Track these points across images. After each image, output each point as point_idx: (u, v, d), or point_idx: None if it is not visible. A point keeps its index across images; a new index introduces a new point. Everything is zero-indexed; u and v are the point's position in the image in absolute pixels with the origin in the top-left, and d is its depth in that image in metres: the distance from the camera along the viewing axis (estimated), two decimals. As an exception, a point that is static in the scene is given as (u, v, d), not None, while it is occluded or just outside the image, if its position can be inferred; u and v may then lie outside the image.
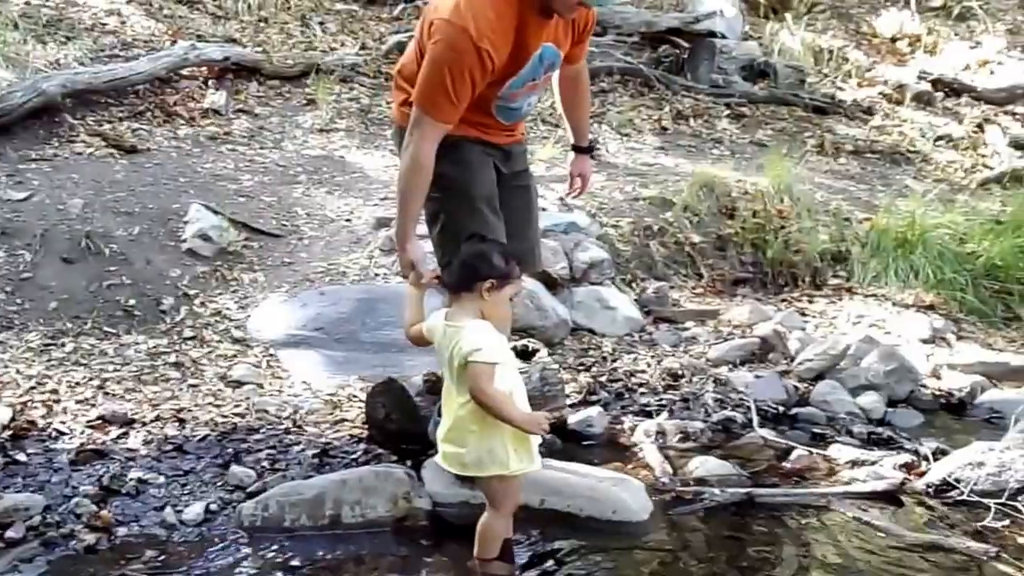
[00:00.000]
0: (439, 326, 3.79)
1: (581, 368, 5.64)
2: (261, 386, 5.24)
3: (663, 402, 5.44)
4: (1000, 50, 11.14)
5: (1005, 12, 12.16)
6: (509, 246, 4.02)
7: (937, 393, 5.84)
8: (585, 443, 4.88)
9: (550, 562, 4.04)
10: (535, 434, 3.77)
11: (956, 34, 11.52)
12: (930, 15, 11.74)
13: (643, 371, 5.74)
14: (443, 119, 3.99)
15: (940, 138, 9.74)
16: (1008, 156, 9.41)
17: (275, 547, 4.00)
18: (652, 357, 5.94)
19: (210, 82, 8.33)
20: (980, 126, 10.01)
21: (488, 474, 3.78)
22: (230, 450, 4.62)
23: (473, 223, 4.12)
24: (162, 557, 3.91)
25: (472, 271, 3.74)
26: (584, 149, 4.85)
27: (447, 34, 3.87)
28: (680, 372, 5.75)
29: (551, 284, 6.11)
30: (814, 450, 4.97)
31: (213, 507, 4.22)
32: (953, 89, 10.59)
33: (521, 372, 4.43)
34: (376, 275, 6.17)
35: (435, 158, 4.07)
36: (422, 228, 4.22)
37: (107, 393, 5.03)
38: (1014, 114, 10.33)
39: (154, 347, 5.45)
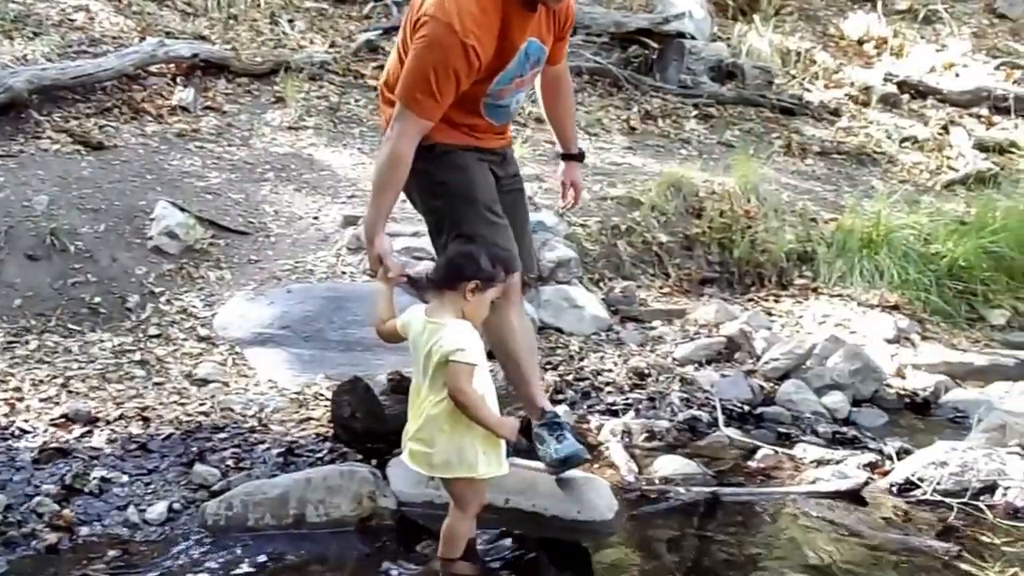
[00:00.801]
0: (418, 321, 3.78)
1: (548, 367, 5.64)
2: (227, 384, 5.22)
3: (629, 401, 5.45)
4: (965, 53, 11.21)
5: (970, 16, 12.24)
6: (510, 250, 4.09)
7: (901, 393, 5.87)
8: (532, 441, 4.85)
9: (515, 562, 4.04)
10: (507, 439, 3.77)
11: (922, 37, 11.58)
12: (896, 18, 11.80)
13: (610, 370, 5.75)
14: (425, 116, 4.00)
15: (906, 140, 9.79)
16: (973, 158, 9.47)
17: (238, 546, 3.97)
18: (619, 356, 5.95)
19: (178, 79, 8.27)
20: (945, 128, 10.06)
21: (455, 476, 3.77)
22: (194, 449, 4.59)
23: (479, 228, 4.15)
24: (124, 557, 3.89)
25: (458, 270, 3.74)
26: (573, 156, 4.78)
27: (432, 30, 3.89)
28: (646, 371, 5.77)
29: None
30: (779, 449, 4.99)
31: (177, 506, 4.20)
32: (919, 91, 10.65)
33: (489, 371, 4.45)
34: (343, 273, 6.16)
35: (434, 167, 4.14)
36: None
37: (71, 391, 5.00)
38: (979, 116, 10.39)
39: (119, 345, 5.42)
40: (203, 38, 8.89)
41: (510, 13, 3.95)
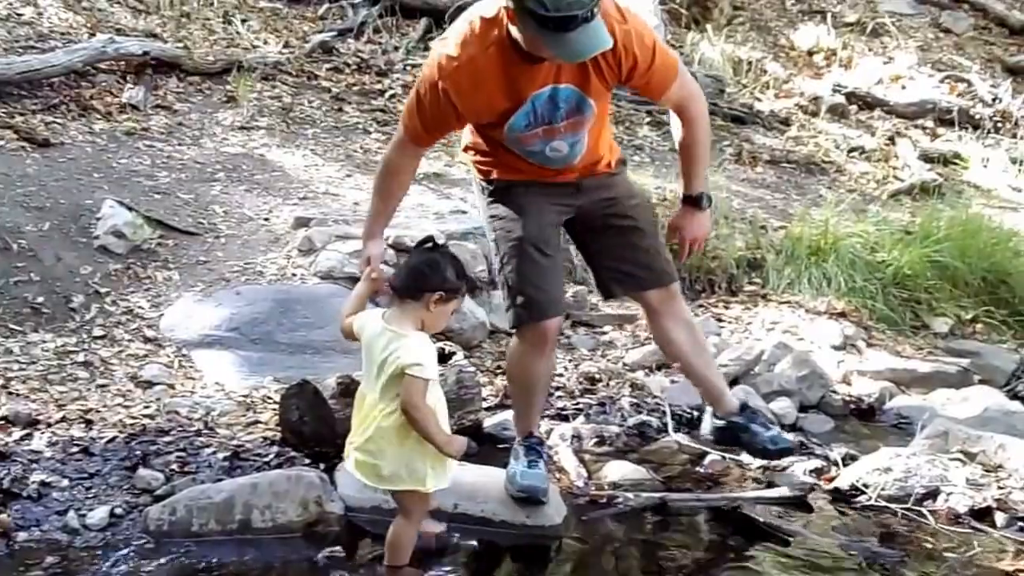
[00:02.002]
0: (374, 326, 3.72)
1: (499, 371, 5.63)
2: (172, 387, 5.16)
3: (580, 406, 5.46)
4: (911, 66, 11.34)
5: (917, 29, 12.38)
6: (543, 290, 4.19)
7: (847, 399, 5.93)
8: (501, 446, 4.86)
9: (462, 568, 4.04)
10: (453, 457, 3.75)
11: (870, 49, 11.70)
12: (845, 30, 11.91)
13: (560, 375, 5.74)
14: (410, 137, 4.07)
15: (853, 150, 9.88)
16: (918, 168, 9.57)
17: (182, 552, 3.92)
18: (569, 361, 5.96)
19: (128, 77, 8.19)
20: (892, 139, 10.17)
21: (403, 489, 3.76)
22: (138, 452, 4.51)
23: (520, 265, 4.20)
24: (63, 563, 3.82)
25: (422, 279, 3.67)
26: (689, 199, 4.43)
27: (429, 58, 3.97)
28: (597, 376, 5.78)
29: (469, 287, 6.06)
30: (727, 455, 5.00)
31: (119, 511, 4.13)
32: (866, 103, 10.76)
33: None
34: (293, 275, 6.11)
35: (490, 203, 4.30)
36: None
37: (11, 393, 4.91)
38: (924, 128, 10.51)
39: (62, 346, 5.34)
40: (155, 36, 8.80)
41: (510, 65, 3.84)
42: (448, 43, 3.89)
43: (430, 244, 3.79)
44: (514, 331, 4.39)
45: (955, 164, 9.81)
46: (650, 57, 3.96)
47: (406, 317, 3.67)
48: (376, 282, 3.98)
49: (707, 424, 4.81)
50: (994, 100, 10.80)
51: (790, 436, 4.79)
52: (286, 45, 9.36)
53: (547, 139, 4.06)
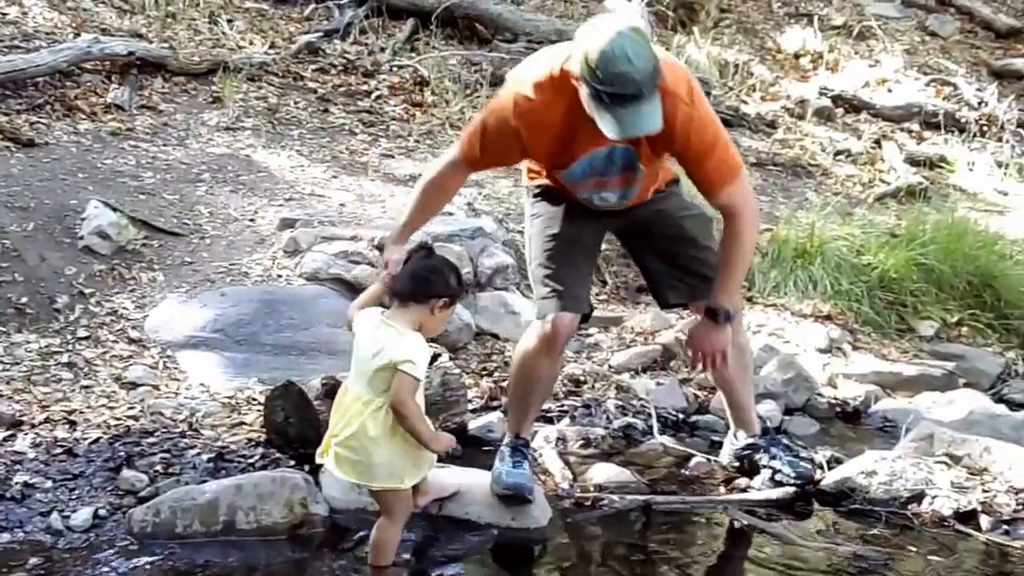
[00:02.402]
0: (372, 320, 3.76)
1: (484, 373, 5.63)
2: (157, 388, 5.14)
3: (565, 408, 5.44)
4: (897, 69, 11.35)
5: (903, 33, 12.40)
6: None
7: (833, 402, 5.91)
8: (486, 448, 4.84)
9: (447, 570, 4.04)
10: (439, 453, 3.82)
11: (856, 53, 11.71)
12: (832, 33, 11.91)
13: (545, 377, 5.72)
14: (465, 159, 4.12)
15: (840, 153, 9.88)
16: (904, 172, 9.58)
17: (166, 554, 3.91)
18: (555, 363, 5.94)
19: (114, 77, 8.16)
20: (878, 142, 10.18)
21: (384, 486, 3.76)
22: (122, 453, 4.50)
23: (551, 258, 4.29)
24: (47, 564, 3.81)
25: (427, 285, 3.74)
26: (708, 309, 4.22)
27: (504, 91, 4.01)
28: (582, 378, 5.76)
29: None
30: (712, 457, 5.00)
31: (102, 512, 4.12)
32: (853, 106, 10.76)
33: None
34: (279, 277, 6.09)
35: (530, 203, 4.41)
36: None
37: (-5, 393, 4.90)
38: (910, 131, 10.52)
39: (46, 346, 5.31)
40: (140, 36, 8.78)
41: (577, 120, 3.82)
42: (526, 83, 3.91)
43: (426, 250, 3.88)
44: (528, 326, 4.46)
45: (941, 167, 9.82)
46: (707, 148, 3.95)
47: (406, 319, 3.72)
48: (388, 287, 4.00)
49: (727, 447, 4.88)
50: (980, 104, 10.80)
51: (808, 465, 4.78)
52: (272, 46, 9.34)
53: (598, 189, 4.14)
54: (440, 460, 4.09)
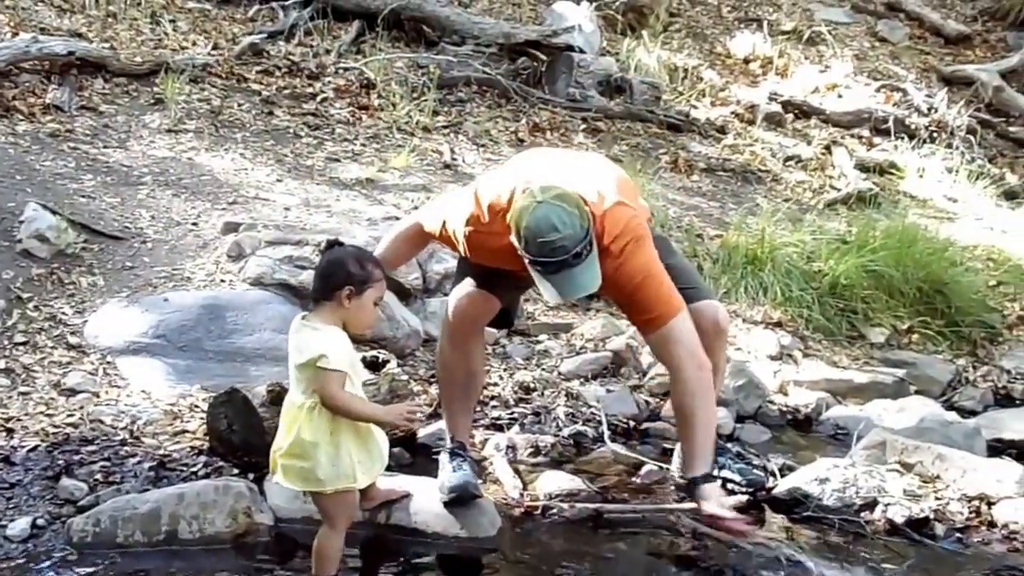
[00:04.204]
0: (295, 324, 3.75)
1: (432, 380, 5.55)
2: (97, 395, 5.05)
3: (515, 415, 5.40)
4: (848, 74, 11.40)
5: (853, 38, 12.47)
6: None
7: (784, 409, 5.92)
8: (435, 456, 4.76)
9: (395, 580, 3.98)
10: (395, 424, 3.85)
11: (806, 58, 11.76)
12: (782, 38, 11.96)
13: (495, 384, 5.68)
14: (419, 217, 4.35)
15: (790, 158, 9.91)
16: (854, 178, 9.61)
17: (106, 564, 3.86)
18: (504, 370, 5.90)
19: (53, 77, 8.01)
20: (828, 148, 10.21)
21: (335, 489, 3.70)
22: (61, 462, 4.43)
23: (462, 270, 4.42)
24: (-18, 575, 3.72)
25: (328, 279, 3.71)
26: (690, 484, 4.18)
27: (468, 189, 4.24)
28: (532, 385, 5.72)
29: (403, 294, 6.03)
30: (664, 465, 4.96)
31: (41, 522, 4.05)
32: (803, 111, 10.80)
33: (370, 384, 4.41)
34: (222, 282, 6.00)
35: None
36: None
37: (-71, 400, 4.79)
38: (860, 137, 10.58)
39: (-18, 352, 5.21)
40: (80, 35, 8.64)
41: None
42: (483, 202, 4.04)
43: (335, 245, 3.86)
44: None
45: (891, 174, 9.88)
46: (631, 293, 4.07)
47: (322, 317, 3.71)
48: None
49: (677, 458, 4.82)
50: (930, 110, 10.88)
51: (760, 472, 4.79)
52: (215, 47, 9.22)
53: None
54: (388, 468, 4.02)
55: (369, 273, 3.74)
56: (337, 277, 3.70)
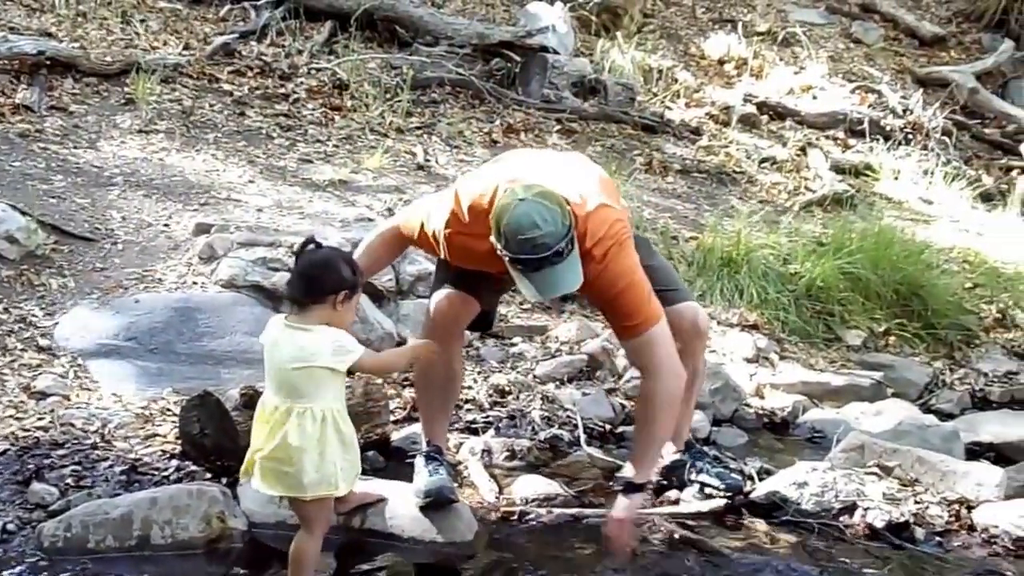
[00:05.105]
0: (277, 327, 3.69)
1: (406, 383, 5.52)
2: (67, 398, 5.00)
3: (490, 419, 5.37)
4: (822, 76, 11.43)
5: (827, 40, 12.51)
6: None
7: (760, 412, 5.91)
8: (409, 460, 4.73)
9: (371, 586, 3.95)
10: (424, 355, 4.03)
11: (781, 59, 11.78)
12: (756, 40, 11.97)
13: (470, 387, 5.64)
14: (398, 221, 4.38)
15: (765, 160, 9.92)
16: (829, 179, 9.63)
17: (77, 570, 3.82)
18: (479, 373, 5.87)
19: (22, 77, 7.95)
20: (803, 149, 10.23)
21: (318, 495, 3.67)
22: (31, 466, 4.38)
23: (440, 272, 4.41)
24: (-51, 582, 3.68)
25: (322, 282, 3.66)
26: (626, 485, 4.19)
27: (448, 192, 4.22)
28: (507, 389, 5.69)
29: (376, 296, 5.99)
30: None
31: (11, 527, 4.01)
32: (777, 112, 10.82)
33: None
34: (194, 283, 5.96)
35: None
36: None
37: None
38: (835, 139, 10.60)
39: (-50, 355, 5.15)
40: (50, 35, 8.60)
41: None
42: (464, 203, 4.01)
43: (313, 245, 3.78)
44: None
45: (866, 175, 9.91)
46: (612, 299, 4.05)
47: (311, 320, 3.65)
48: None
49: None
50: (905, 111, 10.92)
51: (737, 476, 4.78)
52: (186, 47, 9.17)
53: None
54: (363, 472, 4.00)
55: (358, 277, 3.74)
56: (330, 281, 3.65)
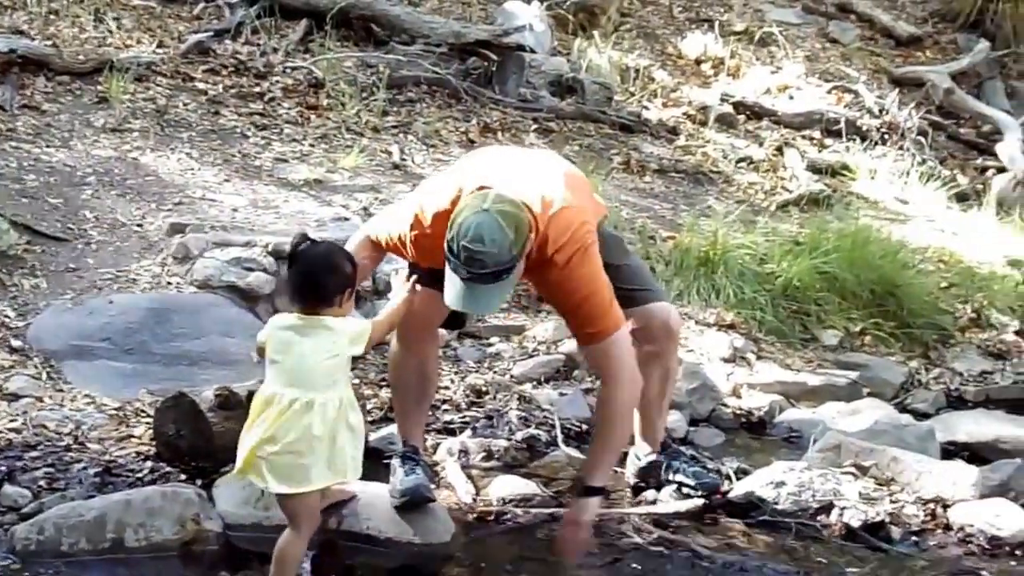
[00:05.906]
0: (285, 320, 3.72)
1: (383, 384, 5.50)
2: (40, 399, 4.96)
3: (466, 419, 5.35)
4: (799, 76, 11.42)
5: (804, 39, 12.51)
6: None
7: (737, 412, 5.90)
8: (386, 461, 4.70)
9: (348, 588, 3.94)
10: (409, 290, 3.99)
11: (757, 59, 11.77)
12: (733, 39, 11.95)
13: (446, 387, 5.63)
14: (368, 231, 4.33)
15: (742, 160, 9.90)
16: (806, 179, 9.62)
17: (50, 573, 3.80)
18: (456, 373, 5.85)
19: (-7, 75, 7.90)
20: (780, 149, 10.21)
21: (325, 485, 3.71)
22: (3, 468, 4.34)
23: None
24: (-80, 587, 3.64)
25: (330, 284, 3.69)
26: (584, 488, 4.19)
27: (412, 196, 4.33)
28: (484, 389, 5.68)
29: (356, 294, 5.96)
30: (618, 469, 4.89)
31: (-18, 530, 3.96)
32: (754, 112, 10.80)
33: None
34: (169, 284, 5.93)
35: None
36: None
37: None
38: (811, 139, 10.59)
39: (-79, 356, 5.11)
40: (21, 33, 8.50)
41: None
42: (428, 208, 4.02)
43: (307, 242, 3.78)
44: None
45: (843, 175, 9.89)
46: (574, 306, 4.04)
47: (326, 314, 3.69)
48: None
49: (631, 464, 4.83)
50: (881, 111, 10.92)
51: (714, 475, 4.80)
52: (160, 45, 9.09)
53: None
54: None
55: (355, 269, 3.82)
56: (336, 284, 3.68)
